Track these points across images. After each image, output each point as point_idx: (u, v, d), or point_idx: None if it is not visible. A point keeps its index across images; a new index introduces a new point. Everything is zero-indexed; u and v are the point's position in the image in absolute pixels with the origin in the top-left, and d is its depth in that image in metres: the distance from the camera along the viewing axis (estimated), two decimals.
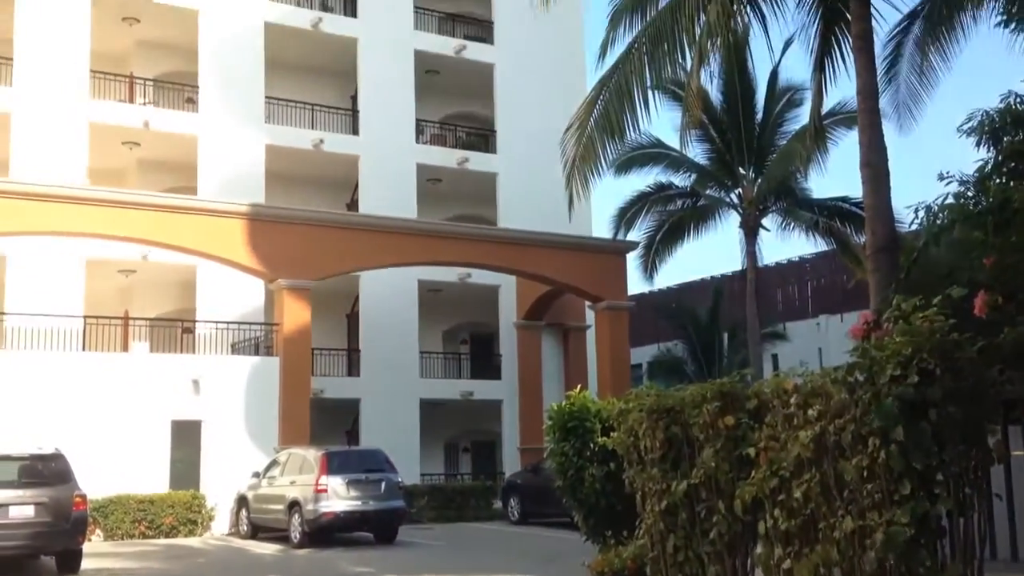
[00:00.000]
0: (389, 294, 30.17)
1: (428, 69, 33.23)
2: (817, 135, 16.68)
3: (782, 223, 27.08)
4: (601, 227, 33.11)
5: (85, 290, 26.58)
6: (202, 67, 29.67)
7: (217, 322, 26.74)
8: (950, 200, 9.78)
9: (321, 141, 30.96)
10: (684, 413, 8.92)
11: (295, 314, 24.91)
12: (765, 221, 26.84)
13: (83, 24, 28.06)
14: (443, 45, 33.50)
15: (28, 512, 15.24)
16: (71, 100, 27.62)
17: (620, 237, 28.14)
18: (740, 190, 26.83)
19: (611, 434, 10.74)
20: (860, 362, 6.72)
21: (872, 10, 12.97)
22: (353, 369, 30.65)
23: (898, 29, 14.96)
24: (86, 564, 16.06)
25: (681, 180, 27.88)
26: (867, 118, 12.63)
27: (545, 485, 19.99)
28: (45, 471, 15.99)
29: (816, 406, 7.14)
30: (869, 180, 12.45)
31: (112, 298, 29.15)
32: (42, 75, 27.34)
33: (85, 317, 26.05)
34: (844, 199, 26.11)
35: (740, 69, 25.12)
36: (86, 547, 16.43)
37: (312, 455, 20.78)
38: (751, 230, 26.36)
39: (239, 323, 27.13)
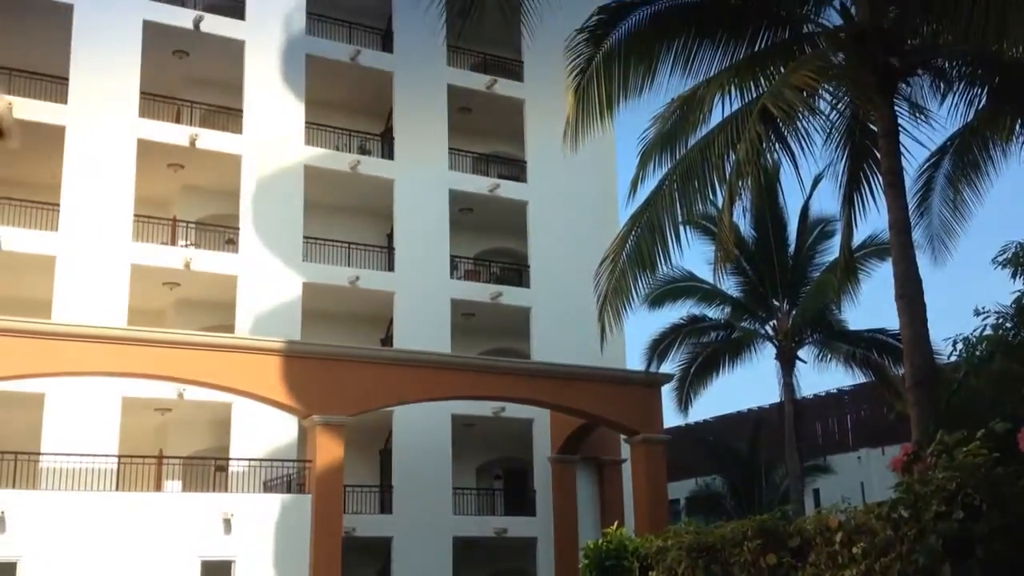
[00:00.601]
0: (423, 429, 30.02)
1: (463, 207, 33.87)
2: (848, 268, 16.73)
3: (818, 354, 26.90)
4: (635, 360, 32.99)
5: (120, 428, 26.71)
6: (243, 209, 30.44)
7: (250, 460, 26.67)
8: (988, 332, 9.69)
9: (357, 278, 31.39)
10: (724, 551, 8.70)
11: (328, 451, 24.79)
12: (801, 352, 26.67)
13: (129, 170, 28.98)
14: (478, 184, 34.20)
15: None
16: (114, 243, 28.33)
17: (654, 369, 27.99)
18: (775, 322, 26.76)
19: (649, 573, 10.46)
20: (904, 498, 6.55)
21: (901, 146, 13.14)
22: (385, 506, 30.28)
23: (928, 164, 15.13)
24: None
25: (714, 312, 27.89)
26: (900, 251, 12.63)
27: None
28: None
29: (861, 544, 6.94)
30: (905, 312, 12.37)
31: (147, 436, 29.22)
32: (87, 219, 28.13)
33: (120, 456, 26.10)
34: (881, 330, 25.95)
35: (771, 203, 25.37)
36: None
37: None
38: (787, 362, 26.17)
39: (272, 460, 27.04)
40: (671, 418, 30.44)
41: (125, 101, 29.39)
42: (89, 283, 27.55)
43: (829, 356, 26.68)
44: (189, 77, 31.81)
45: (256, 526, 24.01)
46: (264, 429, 27.99)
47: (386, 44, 34.55)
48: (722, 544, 8.86)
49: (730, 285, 27.14)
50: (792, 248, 26.80)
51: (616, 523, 13.64)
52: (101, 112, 28.97)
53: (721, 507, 31.44)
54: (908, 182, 13.79)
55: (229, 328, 28.76)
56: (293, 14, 32.48)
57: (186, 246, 30.49)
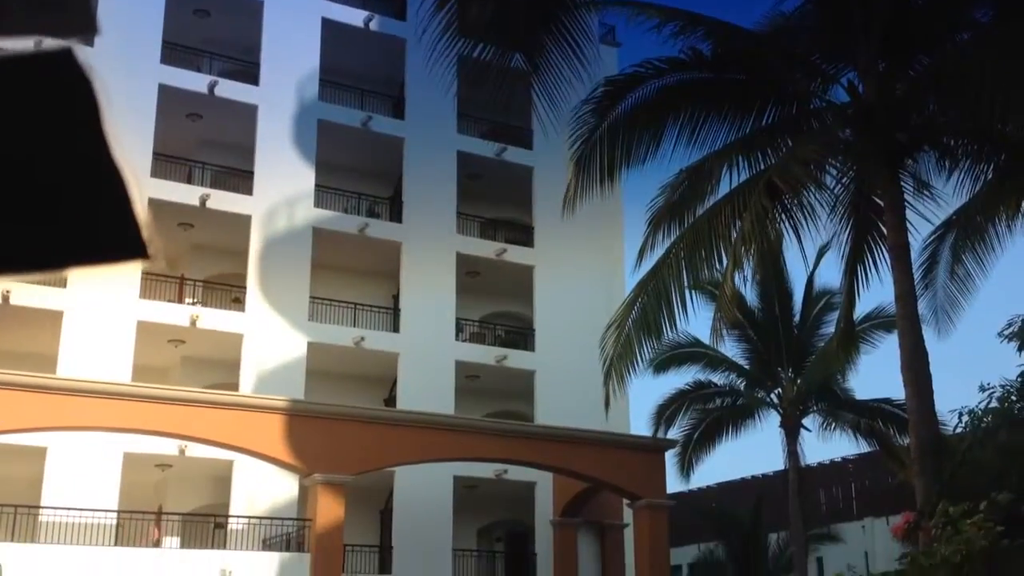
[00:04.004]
0: (424, 489, 29.88)
1: (469, 271, 34.07)
2: (849, 339, 16.81)
3: (823, 423, 26.89)
4: (638, 424, 33.02)
5: (121, 483, 26.63)
6: (251, 269, 30.66)
7: (250, 517, 26.53)
8: (994, 404, 9.76)
9: (362, 339, 31.48)
10: None
11: (328, 510, 24.66)
12: (806, 421, 26.67)
13: None
14: (484, 248, 34.44)
15: None
16: (122, 300, 28.48)
17: (660, 435, 27.96)
18: (780, 390, 26.79)
19: None
20: (909, 570, 6.59)
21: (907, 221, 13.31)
22: (385, 566, 30.02)
23: (933, 237, 15.32)
24: None
25: (720, 378, 27.92)
26: (906, 323, 12.75)
27: None
28: None
29: None
30: (911, 384, 12.44)
31: (147, 491, 29.11)
32: (95, 277, 28.21)
33: (119, 512, 25.99)
34: (886, 400, 25.95)
35: (776, 274, 25.58)
36: None
37: None
38: (792, 430, 26.15)
39: (271, 518, 26.91)
40: (673, 483, 30.30)
41: (137, 161, 29.74)
42: (95, 339, 27.66)
43: (834, 425, 26.66)
44: (202, 139, 32.26)
45: None
46: (265, 487, 27.88)
47: (397, 111, 35.04)
48: None
49: (736, 352, 27.27)
50: (797, 318, 26.94)
51: None
52: None
53: (724, 575, 31.12)
54: (913, 255, 13.98)
55: (233, 386, 28.78)
56: (306, 80, 33.01)
57: (193, 304, 30.64)
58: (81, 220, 1.18)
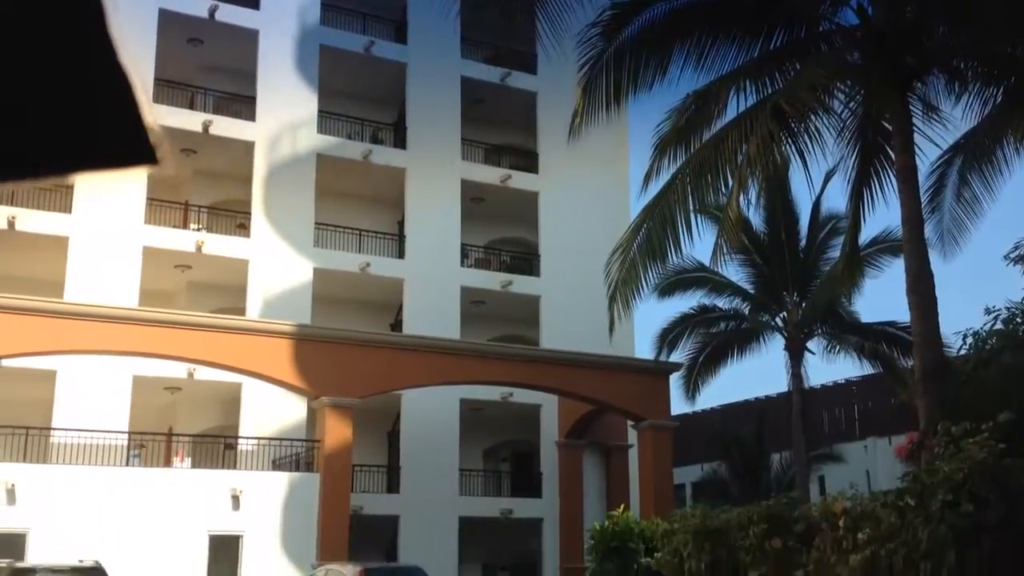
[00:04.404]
0: (431, 412, 30.26)
1: (474, 197, 34.01)
2: (854, 262, 16.83)
3: (827, 346, 27.02)
4: (643, 348, 33.21)
5: (131, 406, 26.98)
6: (255, 195, 30.66)
7: (259, 438, 26.94)
8: (999, 327, 9.84)
9: (368, 265, 31.58)
10: (730, 535, 8.87)
11: (337, 431, 25.04)
12: (810, 344, 26.80)
13: None
14: (489, 175, 34.32)
15: None
16: (127, 225, 28.54)
17: (663, 358, 28.18)
18: (784, 314, 26.90)
19: (655, 555, 10.65)
20: (911, 487, 6.73)
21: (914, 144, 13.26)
22: (393, 486, 30.56)
23: (941, 161, 15.26)
24: None
25: (724, 303, 28.04)
26: (912, 246, 12.78)
27: None
28: None
29: (866, 530, 7.10)
30: (916, 307, 12.52)
31: (157, 414, 29.49)
32: (100, 202, 28.33)
33: (130, 433, 26.39)
34: (891, 323, 26.05)
35: (783, 198, 25.54)
36: None
37: (350, 571, 20.62)
38: (796, 353, 26.32)
39: (280, 439, 27.33)
40: (678, 406, 30.66)
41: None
42: (101, 264, 27.78)
43: (838, 348, 26.79)
44: (203, 64, 31.95)
45: (265, 502, 24.35)
46: (273, 409, 28.27)
47: (400, 35, 34.64)
48: (728, 528, 9.02)
49: (741, 277, 27.33)
50: (803, 242, 26.93)
51: (622, 506, 13.82)
52: None
53: (726, 494, 31.59)
54: (920, 179, 13.95)
55: (240, 311, 28.97)
56: (308, 4, 32.61)
57: (198, 230, 30.69)
58: (88, 124, 1.16)
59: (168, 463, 27.80)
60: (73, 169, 1.23)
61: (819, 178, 23.16)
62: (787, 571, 8.33)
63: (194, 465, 27.96)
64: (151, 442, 27.05)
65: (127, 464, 25.34)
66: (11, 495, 22.22)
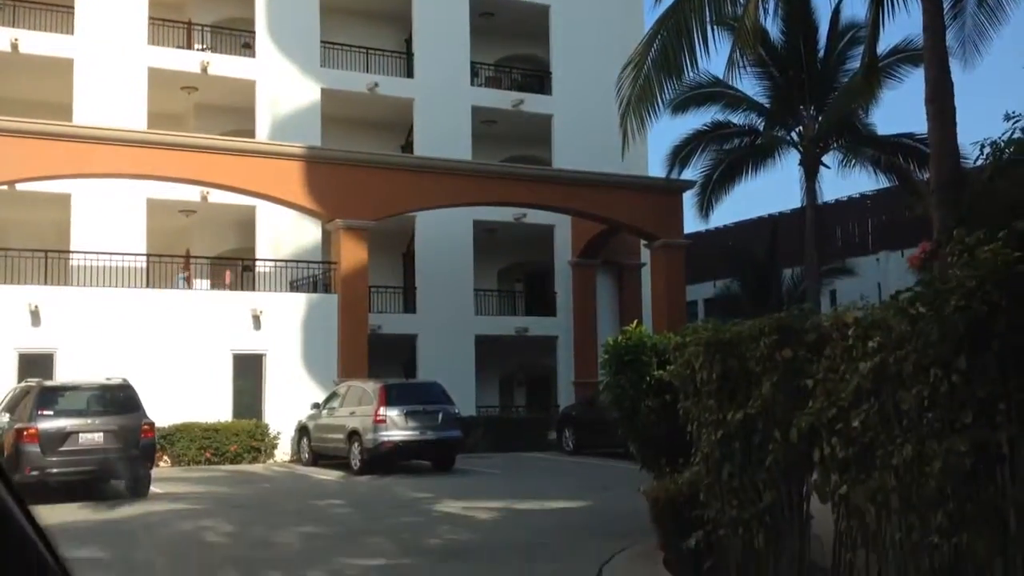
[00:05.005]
0: (445, 233, 30.39)
1: (483, 11, 33.04)
2: (872, 71, 16.37)
3: (843, 160, 26.63)
4: (657, 167, 32.96)
5: (147, 229, 27.16)
6: (258, 13, 29.88)
7: (276, 260, 27.21)
8: (1017, 135, 9.62)
9: (376, 84, 31.05)
10: (741, 347, 8.95)
11: (352, 253, 25.26)
12: (826, 159, 26.44)
13: None
14: None
15: (98, 439, 15.85)
16: (130, 46, 27.99)
17: (675, 176, 27.96)
18: (800, 128, 26.46)
19: (667, 367, 10.81)
20: (923, 293, 6.72)
21: None
22: (409, 306, 31.05)
23: None
24: (154, 488, 16.68)
25: (739, 119, 27.52)
26: (932, 54, 12.41)
27: (599, 417, 20.33)
28: (113, 400, 16.60)
29: (877, 338, 7.15)
30: (934, 116, 12.27)
31: (173, 237, 29.73)
32: (102, 22, 27.70)
33: (148, 255, 26.69)
34: (908, 135, 25.63)
35: (801, 6, 24.65)
36: (154, 472, 17.08)
37: (371, 387, 21.26)
38: (811, 168, 26.01)
39: (297, 261, 27.61)
40: (691, 224, 30.70)
41: None
42: (108, 87, 27.41)
43: (854, 161, 26.41)
44: None
45: (285, 322, 24.84)
46: (288, 232, 28.44)
47: None
48: (739, 340, 9.10)
49: (757, 92, 26.69)
50: (822, 53, 26.14)
51: (636, 321, 13.99)
52: None
53: (739, 309, 31.92)
54: None
55: (249, 133, 28.74)
56: None
57: (202, 50, 30.08)
58: None
59: (187, 284, 28.16)
60: None
61: None
62: (797, 380, 8.44)
63: (213, 287, 28.40)
64: (169, 264, 27.38)
65: (147, 286, 25.70)
66: (35, 316, 22.68)
